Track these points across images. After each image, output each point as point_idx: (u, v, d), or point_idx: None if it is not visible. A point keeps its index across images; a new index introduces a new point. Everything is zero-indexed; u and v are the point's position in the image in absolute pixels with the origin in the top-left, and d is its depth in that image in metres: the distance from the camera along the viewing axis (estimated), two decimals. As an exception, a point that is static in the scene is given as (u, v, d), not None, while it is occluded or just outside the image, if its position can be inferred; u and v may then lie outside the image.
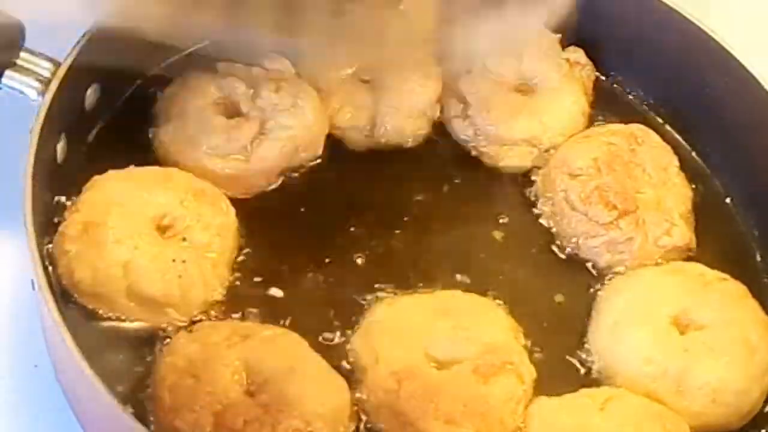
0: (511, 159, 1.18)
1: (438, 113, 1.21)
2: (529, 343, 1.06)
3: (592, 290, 1.12)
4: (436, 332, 1.03)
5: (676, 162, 1.18)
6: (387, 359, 1.01)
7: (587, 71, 1.24)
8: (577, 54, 1.23)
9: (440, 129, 1.21)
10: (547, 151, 1.18)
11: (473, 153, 1.19)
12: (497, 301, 1.08)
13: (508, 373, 1.01)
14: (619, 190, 1.13)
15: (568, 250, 1.14)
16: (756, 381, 1.04)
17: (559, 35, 1.23)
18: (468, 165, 1.19)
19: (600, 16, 1.23)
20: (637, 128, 1.19)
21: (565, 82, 1.21)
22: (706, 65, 1.19)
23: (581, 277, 1.13)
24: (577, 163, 1.15)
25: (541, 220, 1.16)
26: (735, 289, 1.09)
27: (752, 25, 1.38)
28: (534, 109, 1.20)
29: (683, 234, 1.13)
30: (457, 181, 1.18)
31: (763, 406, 1.06)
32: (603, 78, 1.26)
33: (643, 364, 1.04)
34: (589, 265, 1.13)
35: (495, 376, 1.00)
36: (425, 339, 1.03)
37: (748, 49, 1.17)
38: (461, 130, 1.19)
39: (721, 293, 1.08)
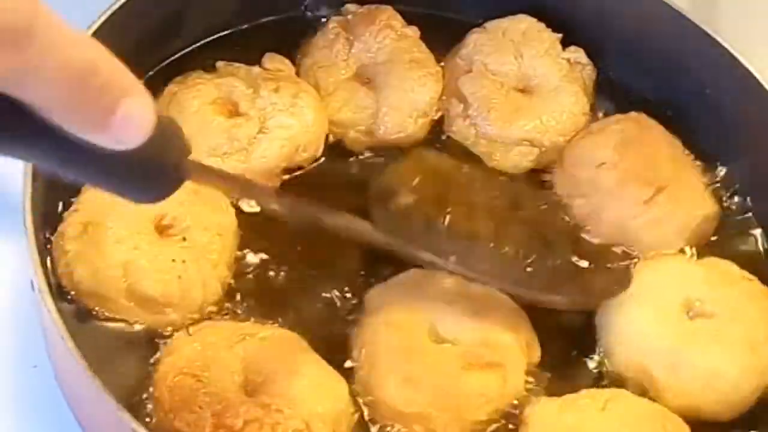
0: (512, 159, 1.18)
1: (438, 113, 1.20)
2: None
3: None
4: (448, 310, 1.04)
5: (679, 143, 1.18)
6: (389, 312, 1.02)
7: (588, 71, 1.23)
8: (578, 54, 1.23)
9: (441, 129, 1.21)
10: (547, 151, 1.18)
11: (474, 152, 1.19)
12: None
13: (493, 372, 1.01)
14: (649, 167, 1.13)
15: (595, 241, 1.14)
16: (751, 377, 1.04)
17: (560, 35, 1.23)
18: (469, 164, 1.19)
19: (600, 15, 1.23)
20: (637, 115, 1.19)
21: (566, 81, 1.21)
22: (706, 64, 1.19)
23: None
24: (597, 155, 1.15)
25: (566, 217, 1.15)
26: (758, 289, 1.09)
27: (756, 24, 1.38)
28: (534, 109, 1.19)
29: (712, 204, 1.15)
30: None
31: (754, 407, 1.06)
32: (603, 76, 1.26)
33: (642, 337, 1.05)
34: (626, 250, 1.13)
35: (477, 369, 1.00)
36: (436, 313, 1.03)
37: (751, 49, 1.16)
38: (462, 130, 1.19)
39: (741, 290, 1.08)
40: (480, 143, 1.19)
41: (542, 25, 1.23)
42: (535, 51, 1.22)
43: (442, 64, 1.23)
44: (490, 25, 1.24)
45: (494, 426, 1.01)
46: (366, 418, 1.00)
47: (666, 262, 1.11)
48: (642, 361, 1.05)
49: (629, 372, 1.05)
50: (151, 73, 1.17)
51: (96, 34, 1.06)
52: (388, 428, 1.00)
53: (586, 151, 1.16)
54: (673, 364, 1.04)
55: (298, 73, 1.19)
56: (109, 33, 1.07)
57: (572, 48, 1.23)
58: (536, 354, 1.06)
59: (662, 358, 1.04)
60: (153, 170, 0.76)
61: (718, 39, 1.16)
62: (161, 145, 0.74)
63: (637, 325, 1.06)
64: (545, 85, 1.21)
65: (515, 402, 1.02)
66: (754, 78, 1.14)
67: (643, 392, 1.04)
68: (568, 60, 1.22)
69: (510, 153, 1.18)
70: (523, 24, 1.23)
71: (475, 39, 1.23)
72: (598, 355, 1.07)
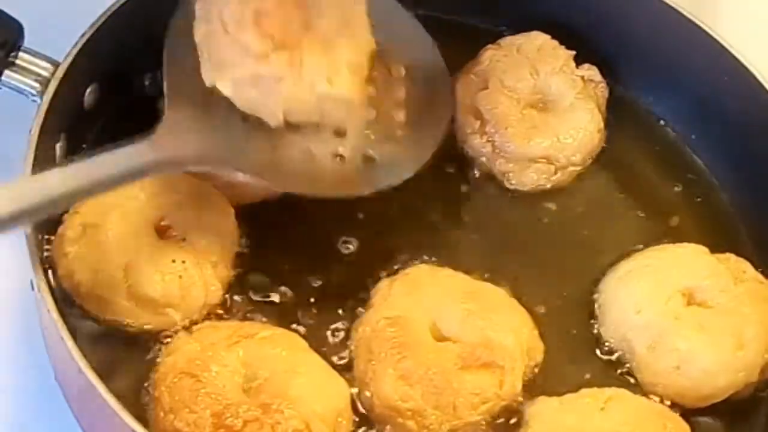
0: (529, 177, 1.18)
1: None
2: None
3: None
4: (452, 308, 1.04)
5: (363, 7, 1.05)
6: (391, 307, 1.03)
7: (601, 89, 1.23)
8: (591, 72, 1.22)
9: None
10: (564, 168, 1.18)
11: (489, 170, 1.19)
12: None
13: (490, 373, 1.01)
14: (282, 20, 0.98)
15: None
16: (728, 372, 1.04)
17: (573, 52, 1.22)
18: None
19: (599, 14, 1.23)
20: None
21: (581, 99, 1.20)
22: (706, 65, 1.19)
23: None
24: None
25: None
26: (766, 292, 1.09)
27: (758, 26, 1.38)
28: (551, 126, 1.19)
29: (346, 85, 1.01)
30: (464, 190, 1.19)
31: (726, 401, 1.06)
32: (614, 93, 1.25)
33: (632, 311, 1.06)
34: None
35: (474, 368, 1.00)
36: (439, 310, 1.04)
37: (753, 49, 1.16)
38: (479, 147, 1.18)
39: (746, 289, 1.08)
40: (497, 160, 1.18)
41: (556, 42, 1.23)
42: (551, 68, 1.21)
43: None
44: (505, 41, 1.23)
45: (491, 425, 1.01)
46: (362, 411, 1.01)
47: (682, 249, 1.11)
48: (626, 334, 1.06)
49: (616, 343, 1.07)
50: (152, 73, 1.17)
51: (98, 33, 1.07)
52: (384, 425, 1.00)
53: None
54: (654, 341, 1.05)
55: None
56: (111, 32, 1.08)
57: (586, 66, 1.22)
58: (539, 356, 1.06)
59: (644, 334, 1.05)
60: None
61: (718, 38, 1.16)
62: None
63: (630, 298, 1.07)
64: (560, 103, 1.20)
65: (514, 401, 1.02)
66: (754, 77, 1.14)
67: (628, 370, 1.06)
68: (582, 77, 1.22)
69: (527, 170, 1.18)
70: (538, 40, 1.22)
71: (490, 56, 1.22)
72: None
